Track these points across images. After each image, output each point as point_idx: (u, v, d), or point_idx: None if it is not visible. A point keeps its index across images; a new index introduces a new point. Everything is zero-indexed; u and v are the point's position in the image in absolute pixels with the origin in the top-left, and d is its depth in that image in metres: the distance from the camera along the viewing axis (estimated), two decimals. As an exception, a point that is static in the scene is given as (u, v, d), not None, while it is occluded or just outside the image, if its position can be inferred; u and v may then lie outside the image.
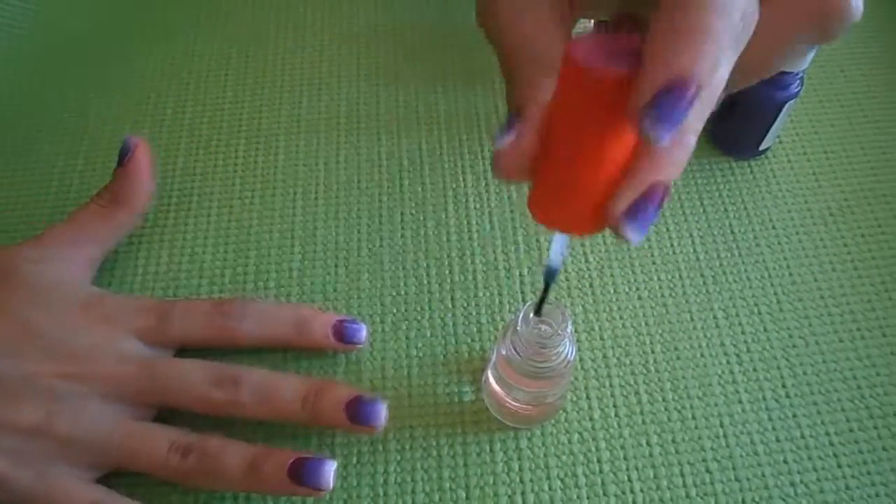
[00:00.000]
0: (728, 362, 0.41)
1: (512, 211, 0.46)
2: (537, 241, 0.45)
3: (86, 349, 0.35)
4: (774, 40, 0.24)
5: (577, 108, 0.21)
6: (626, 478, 0.37)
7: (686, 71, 0.19)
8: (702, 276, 0.44)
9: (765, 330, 0.42)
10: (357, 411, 0.35)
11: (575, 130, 0.22)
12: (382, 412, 0.35)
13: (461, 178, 0.48)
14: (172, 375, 0.36)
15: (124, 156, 0.41)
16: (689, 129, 0.21)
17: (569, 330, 0.33)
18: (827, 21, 0.24)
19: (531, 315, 0.33)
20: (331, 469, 0.34)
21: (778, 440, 0.39)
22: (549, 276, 0.29)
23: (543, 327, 0.33)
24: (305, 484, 0.33)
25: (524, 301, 0.43)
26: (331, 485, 0.34)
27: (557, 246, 0.27)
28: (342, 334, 0.39)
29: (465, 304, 0.43)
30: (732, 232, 0.46)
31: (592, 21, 0.47)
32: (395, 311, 0.42)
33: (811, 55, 0.42)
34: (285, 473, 0.33)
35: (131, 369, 0.35)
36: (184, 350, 0.39)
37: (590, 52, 0.20)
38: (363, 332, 0.40)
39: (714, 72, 0.20)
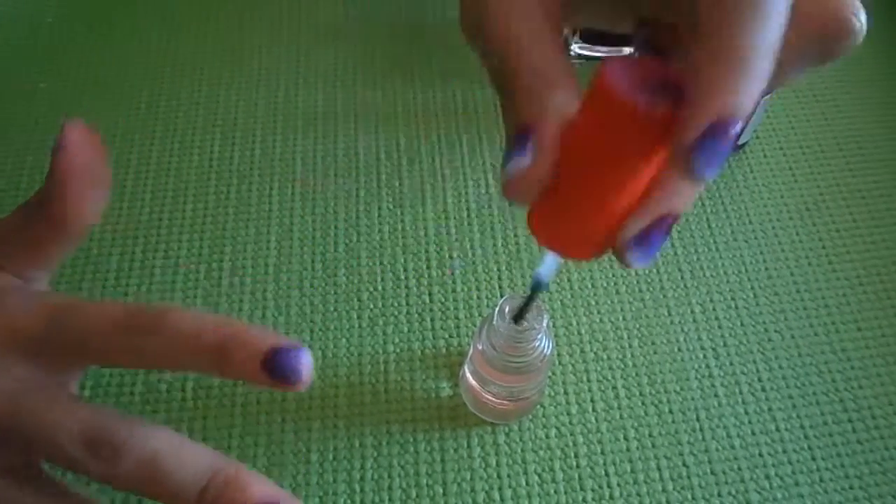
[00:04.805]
0: (705, 356, 0.41)
1: (490, 206, 0.46)
2: (515, 235, 0.45)
3: None
4: (783, 63, 0.24)
5: (606, 137, 0.20)
6: (603, 472, 0.37)
7: (732, 110, 0.19)
8: (679, 270, 0.44)
9: (741, 324, 0.42)
10: None
11: (598, 160, 0.21)
12: None
13: (439, 173, 0.47)
14: (38, 422, 0.26)
15: (55, 149, 0.28)
16: None
17: (545, 325, 0.33)
18: (834, 43, 0.23)
19: (507, 310, 0.33)
20: None
21: (754, 433, 0.39)
22: (536, 287, 0.27)
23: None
24: None
25: (502, 296, 0.43)
26: None
27: (550, 263, 0.26)
28: (273, 367, 0.26)
29: (443, 300, 0.42)
30: (710, 227, 0.46)
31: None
32: (372, 306, 0.42)
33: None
34: None
35: None
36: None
37: (627, 81, 0.19)
38: (303, 364, 0.26)
39: (753, 102, 0.19)
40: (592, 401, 0.40)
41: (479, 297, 0.43)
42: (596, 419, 0.39)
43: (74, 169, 0.28)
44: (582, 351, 0.41)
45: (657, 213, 0.21)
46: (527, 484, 0.37)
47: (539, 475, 0.37)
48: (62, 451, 0.25)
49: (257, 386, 0.27)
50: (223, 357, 0.26)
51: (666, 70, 0.20)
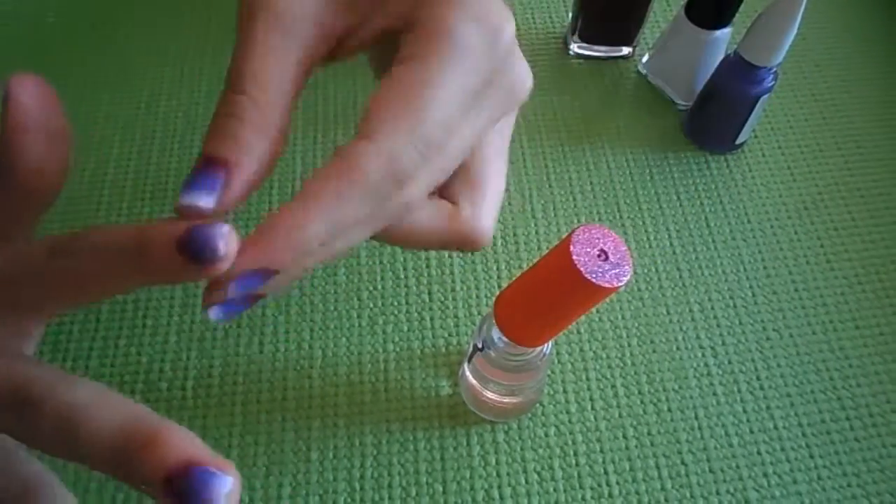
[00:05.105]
0: (703, 355, 0.41)
1: (489, 205, 0.46)
2: (514, 234, 0.45)
3: None
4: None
5: (569, 289, 0.27)
6: (602, 470, 0.38)
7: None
8: (678, 269, 0.44)
9: (740, 323, 0.42)
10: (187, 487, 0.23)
11: (555, 302, 0.28)
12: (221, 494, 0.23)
13: (438, 173, 0.47)
14: None
15: (2, 99, 0.26)
16: None
17: (544, 323, 0.33)
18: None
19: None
20: None
21: (752, 432, 0.39)
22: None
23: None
24: None
25: (501, 295, 0.43)
26: None
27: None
28: (187, 243, 0.23)
29: (443, 299, 0.43)
30: (708, 225, 0.46)
31: None
32: (371, 305, 0.42)
33: (786, 48, 0.43)
34: None
35: None
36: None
37: (587, 256, 0.26)
38: (220, 236, 0.22)
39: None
40: (591, 399, 0.40)
41: (478, 296, 0.43)
42: (595, 418, 0.39)
43: (23, 118, 0.26)
44: (581, 349, 0.41)
45: None
46: (526, 482, 0.37)
47: (538, 473, 0.37)
48: None
49: (178, 277, 0.24)
50: (142, 252, 0.23)
51: (618, 241, 0.27)
